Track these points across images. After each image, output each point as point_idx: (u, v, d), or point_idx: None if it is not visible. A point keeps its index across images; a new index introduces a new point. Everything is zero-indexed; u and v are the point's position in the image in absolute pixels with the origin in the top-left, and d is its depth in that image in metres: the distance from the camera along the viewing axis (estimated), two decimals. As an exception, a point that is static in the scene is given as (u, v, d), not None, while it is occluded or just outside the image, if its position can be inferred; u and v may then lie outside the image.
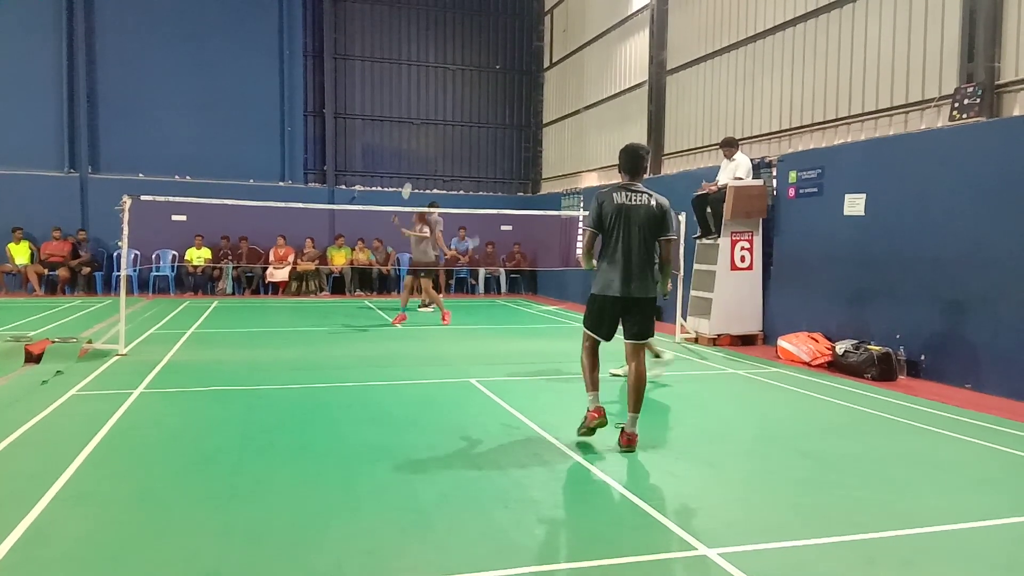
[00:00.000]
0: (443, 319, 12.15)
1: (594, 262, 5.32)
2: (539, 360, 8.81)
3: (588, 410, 5.19)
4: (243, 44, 18.12)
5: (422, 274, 11.93)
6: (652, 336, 5.29)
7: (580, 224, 16.39)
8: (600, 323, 5.22)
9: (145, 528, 3.53)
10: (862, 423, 6.06)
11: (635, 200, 5.10)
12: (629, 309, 5.12)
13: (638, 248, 5.07)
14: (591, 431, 5.14)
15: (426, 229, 11.78)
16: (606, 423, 5.15)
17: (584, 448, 5.04)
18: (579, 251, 5.29)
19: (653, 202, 5.11)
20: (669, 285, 5.32)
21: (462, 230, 18.55)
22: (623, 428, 5.12)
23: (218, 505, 3.85)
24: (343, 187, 19.19)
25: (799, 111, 10.74)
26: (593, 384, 5.23)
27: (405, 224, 11.95)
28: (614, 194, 5.13)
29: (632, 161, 5.23)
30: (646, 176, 6.08)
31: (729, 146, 10.61)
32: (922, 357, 8.10)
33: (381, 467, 4.55)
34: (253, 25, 18.22)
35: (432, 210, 11.96)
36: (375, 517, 3.72)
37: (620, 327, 5.25)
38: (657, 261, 5.17)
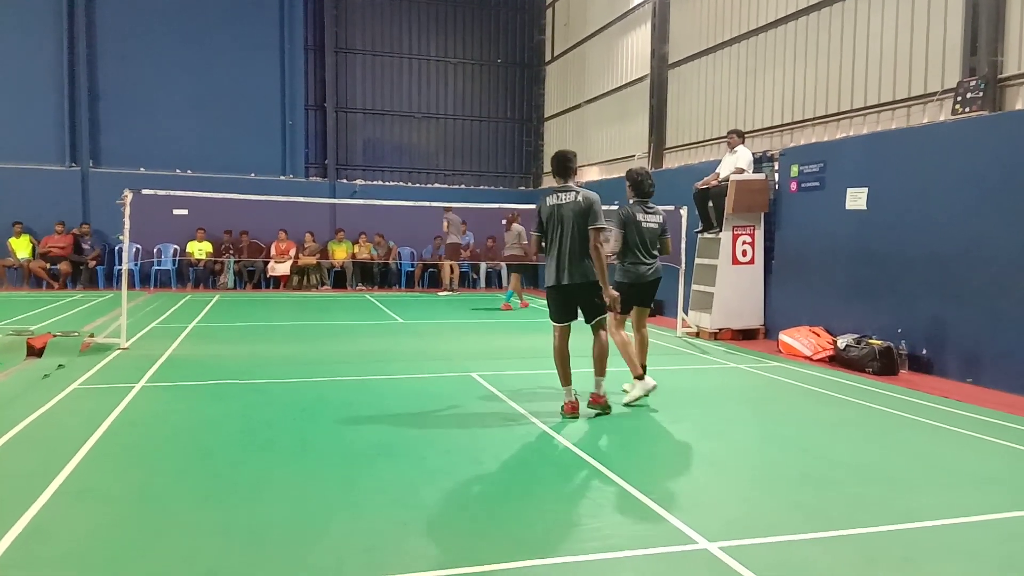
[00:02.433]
0: (521, 305, 14.13)
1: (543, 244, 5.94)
2: (540, 354, 8.77)
3: (565, 402, 5.76)
4: (244, 38, 18.08)
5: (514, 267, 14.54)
6: (605, 314, 5.90)
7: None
8: (558, 310, 5.83)
9: (145, 525, 3.53)
10: (863, 418, 6.06)
11: (565, 199, 5.74)
12: (575, 294, 5.77)
13: (572, 240, 5.67)
14: (563, 418, 5.68)
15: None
16: (578, 417, 5.68)
17: (586, 443, 5.04)
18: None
19: (580, 197, 5.72)
20: (610, 292, 5.81)
21: (463, 225, 18.53)
22: (592, 391, 5.84)
23: (219, 501, 3.86)
24: (344, 181, 19.18)
25: (801, 105, 10.71)
26: (566, 379, 5.78)
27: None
28: (547, 197, 5.81)
29: (561, 165, 5.87)
30: (647, 173, 6.75)
31: (737, 135, 10.57)
32: (923, 351, 8.08)
33: (382, 462, 4.56)
34: (254, 19, 18.18)
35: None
36: (376, 513, 3.73)
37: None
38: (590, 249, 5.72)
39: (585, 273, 5.69)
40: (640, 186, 6.58)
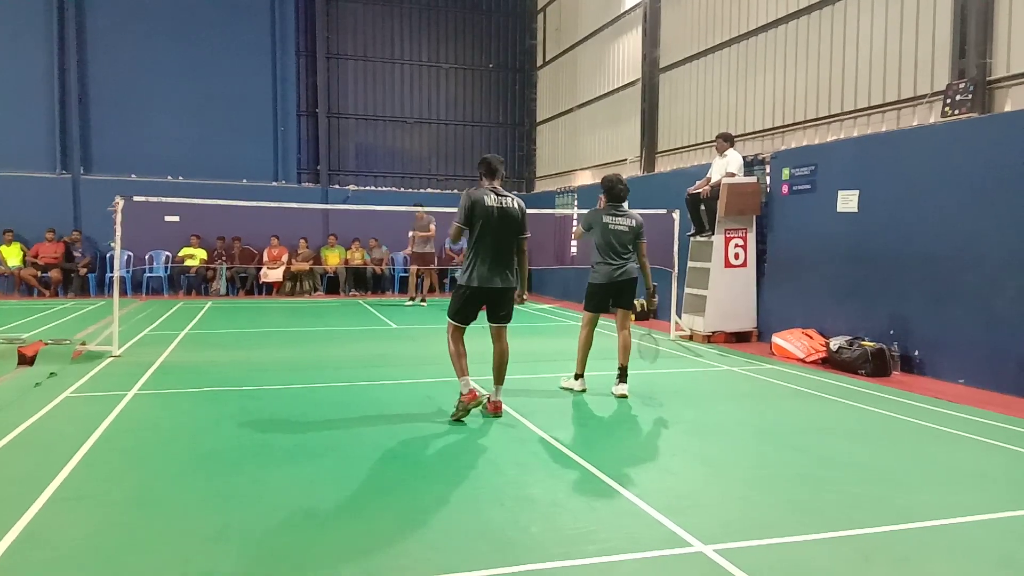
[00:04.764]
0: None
1: (463, 240, 5.96)
2: (535, 359, 8.79)
3: (461, 394, 5.72)
4: (235, 44, 18.07)
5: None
6: (510, 321, 6.04)
7: (574, 221, 16.37)
8: (464, 311, 5.90)
9: (141, 530, 3.51)
10: (857, 419, 6.08)
11: (503, 203, 5.83)
12: (494, 297, 5.88)
13: (503, 245, 5.83)
14: (467, 411, 5.67)
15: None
16: (481, 403, 5.77)
17: (581, 447, 5.04)
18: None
19: (515, 204, 5.91)
20: (526, 294, 6.00)
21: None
22: (489, 397, 5.92)
23: (214, 506, 3.84)
24: (337, 187, 19.16)
25: (792, 108, 10.77)
26: (463, 370, 5.84)
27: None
28: (485, 197, 5.78)
29: (491, 169, 5.95)
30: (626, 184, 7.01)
31: (724, 140, 10.61)
32: (916, 353, 8.12)
33: (377, 467, 4.55)
34: (245, 25, 18.17)
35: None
36: (372, 517, 3.72)
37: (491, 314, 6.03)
38: (516, 256, 5.97)
39: (511, 279, 5.91)
40: (612, 190, 6.92)
